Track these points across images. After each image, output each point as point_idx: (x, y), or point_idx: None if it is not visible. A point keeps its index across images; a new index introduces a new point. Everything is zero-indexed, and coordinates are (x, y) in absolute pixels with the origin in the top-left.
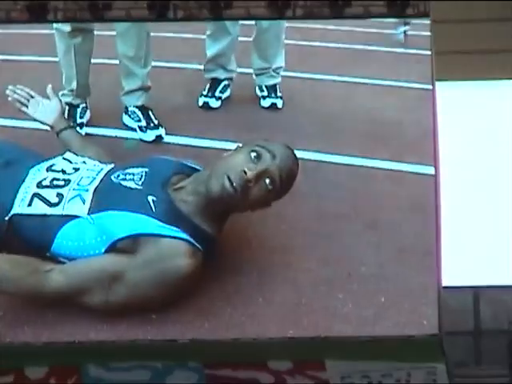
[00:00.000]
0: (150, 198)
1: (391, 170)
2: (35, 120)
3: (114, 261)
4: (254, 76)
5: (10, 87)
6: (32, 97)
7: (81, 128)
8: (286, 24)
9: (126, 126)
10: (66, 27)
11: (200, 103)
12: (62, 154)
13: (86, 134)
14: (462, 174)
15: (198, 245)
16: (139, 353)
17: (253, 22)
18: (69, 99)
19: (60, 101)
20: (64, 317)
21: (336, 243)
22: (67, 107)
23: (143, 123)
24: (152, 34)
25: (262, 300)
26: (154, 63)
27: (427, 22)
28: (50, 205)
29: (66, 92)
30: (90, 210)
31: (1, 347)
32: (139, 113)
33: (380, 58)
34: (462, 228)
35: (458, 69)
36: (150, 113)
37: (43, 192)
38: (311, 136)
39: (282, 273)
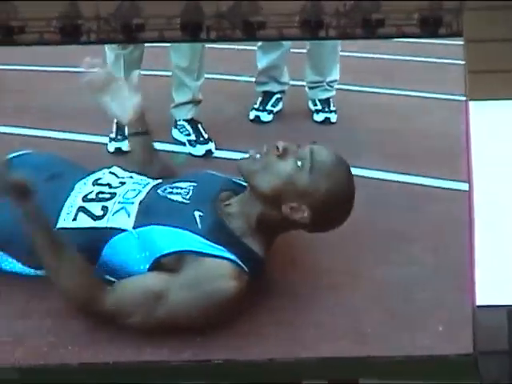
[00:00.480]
0: (197, 214)
1: (452, 189)
2: (110, 111)
3: (158, 280)
4: (306, 89)
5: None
6: (112, 81)
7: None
8: None
9: (176, 140)
10: None
11: (251, 117)
12: (108, 168)
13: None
14: (496, 191)
15: (244, 266)
16: (174, 374)
17: None
18: None
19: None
20: (100, 337)
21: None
22: (116, 120)
23: (192, 137)
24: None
25: (294, 320)
26: (207, 75)
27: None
28: (95, 218)
29: None
30: (135, 223)
31: (38, 368)
32: (188, 126)
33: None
34: (497, 246)
35: (492, 88)
36: (200, 126)
37: (88, 205)
38: (366, 152)
39: (323, 294)
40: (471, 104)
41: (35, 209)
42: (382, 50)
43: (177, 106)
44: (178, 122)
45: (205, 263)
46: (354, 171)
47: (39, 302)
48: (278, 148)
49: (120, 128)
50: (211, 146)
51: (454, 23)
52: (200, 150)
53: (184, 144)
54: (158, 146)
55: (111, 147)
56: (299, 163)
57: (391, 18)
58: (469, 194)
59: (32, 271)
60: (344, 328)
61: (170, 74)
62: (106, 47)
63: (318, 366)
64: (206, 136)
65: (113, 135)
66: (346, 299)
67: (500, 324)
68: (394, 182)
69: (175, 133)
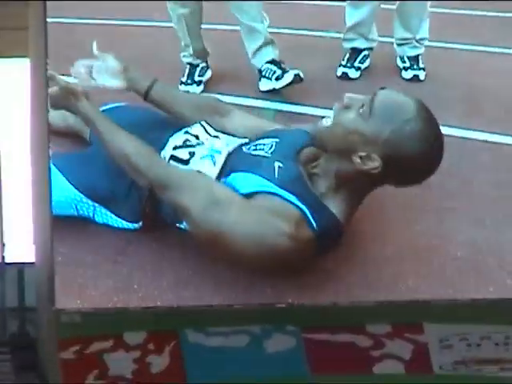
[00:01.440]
0: (277, 165)
1: None
2: (111, 89)
3: (230, 190)
4: (395, 46)
5: (72, 70)
6: (91, 66)
7: (198, 85)
8: None
9: (265, 91)
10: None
11: (339, 73)
12: (199, 121)
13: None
14: None
15: (313, 221)
16: (237, 317)
17: None
18: (189, 59)
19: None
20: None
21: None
22: (188, 66)
23: (279, 72)
24: (292, 1)
25: (358, 264)
26: (291, 31)
27: None
28: (182, 162)
29: (185, 53)
30: (219, 173)
31: (100, 313)
32: (272, 66)
33: None
34: None
35: None
36: (283, 65)
37: (177, 152)
38: (455, 110)
39: (381, 238)
40: None
41: (90, 106)
42: (470, 6)
43: (255, 53)
44: (262, 68)
45: (273, 200)
46: (447, 129)
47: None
48: (343, 101)
49: (191, 72)
50: (298, 71)
51: None
52: (287, 78)
53: (272, 89)
54: (241, 100)
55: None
56: (361, 110)
57: None
58: None
59: (124, 223)
60: (405, 271)
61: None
62: (169, 8)
63: (381, 309)
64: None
65: (184, 79)
66: (405, 243)
67: None
68: (485, 142)
69: (262, 84)
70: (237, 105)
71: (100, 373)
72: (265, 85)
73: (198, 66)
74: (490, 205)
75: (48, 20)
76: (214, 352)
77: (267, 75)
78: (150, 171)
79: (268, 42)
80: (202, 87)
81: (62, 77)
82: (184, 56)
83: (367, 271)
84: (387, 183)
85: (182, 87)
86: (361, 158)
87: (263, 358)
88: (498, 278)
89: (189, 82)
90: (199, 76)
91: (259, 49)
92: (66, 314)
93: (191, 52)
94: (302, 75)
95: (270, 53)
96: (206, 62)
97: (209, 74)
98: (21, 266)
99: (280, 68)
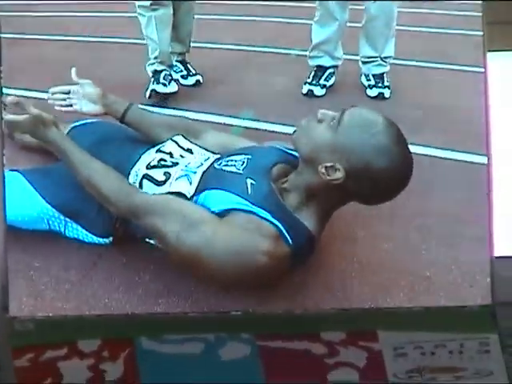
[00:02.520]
0: (249, 181)
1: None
2: (89, 114)
3: (202, 209)
4: (360, 63)
5: (48, 95)
6: (68, 92)
7: (167, 86)
8: (396, 10)
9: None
10: (147, 2)
11: (304, 91)
12: (171, 138)
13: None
14: None
15: (288, 236)
16: (192, 325)
17: (362, 7)
18: (153, 67)
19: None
20: (122, 289)
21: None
22: (152, 74)
23: (184, 73)
24: (257, 18)
25: (313, 270)
26: (258, 49)
27: None
28: (157, 183)
29: (151, 61)
30: (195, 191)
31: (54, 320)
32: (180, 65)
33: None
34: None
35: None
36: (189, 65)
37: (151, 172)
38: (419, 129)
39: (339, 245)
40: (489, 55)
41: (59, 134)
42: (434, 24)
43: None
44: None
45: (248, 217)
46: (412, 148)
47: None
48: (317, 115)
49: (156, 79)
50: (199, 77)
51: None
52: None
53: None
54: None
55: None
56: (331, 123)
57: None
58: (486, 136)
59: (95, 239)
60: (360, 280)
61: None
62: (139, 11)
63: (336, 316)
64: (193, 71)
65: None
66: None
67: None
68: (447, 159)
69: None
70: (204, 121)
71: (54, 380)
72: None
73: (162, 71)
74: (456, 223)
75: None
76: (168, 359)
77: (174, 69)
78: (121, 200)
79: (184, 52)
80: (172, 85)
81: (32, 107)
82: (149, 65)
83: (322, 279)
84: (355, 199)
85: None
86: (326, 168)
87: (218, 366)
88: (452, 285)
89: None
90: (164, 79)
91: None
92: (19, 321)
93: (156, 55)
94: (201, 81)
95: (182, 56)
96: (169, 71)
97: (174, 86)
98: None
99: (186, 68)
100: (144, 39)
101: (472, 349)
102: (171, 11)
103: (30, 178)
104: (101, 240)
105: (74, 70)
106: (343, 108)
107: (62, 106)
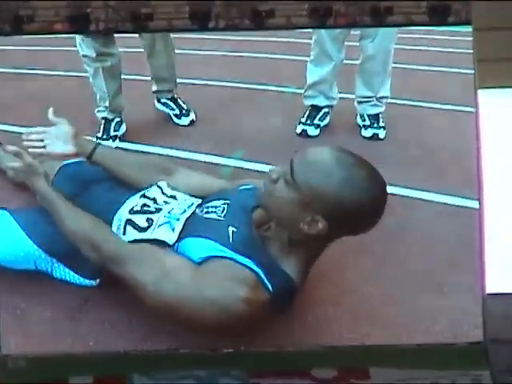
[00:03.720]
0: (231, 229)
1: None
2: (61, 155)
3: (179, 257)
4: (355, 103)
5: (24, 137)
6: (44, 132)
7: (113, 141)
8: (392, 52)
9: (160, 111)
10: (92, 52)
11: (298, 131)
12: (156, 183)
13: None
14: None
15: (268, 282)
16: (183, 362)
17: (357, 44)
18: (104, 114)
19: (117, 123)
20: (111, 327)
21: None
22: (103, 121)
23: (177, 111)
24: (250, 54)
25: (304, 308)
26: (250, 85)
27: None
28: (140, 230)
29: (100, 108)
30: (177, 239)
31: (45, 358)
32: (171, 103)
33: None
34: (508, 234)
35: (501, 76)
36: (180, 101)
37: (134, 217)
38: (415, 171)
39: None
40: (480, 92)
41: (47, 185)
42: (429, 62)
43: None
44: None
45: (228, 264)
46: (405, 191)
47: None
48: (270, 175)
49: (106, 127)
50: (193, 116)
51: (463, 11)
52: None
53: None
54: (144, 148)
55: None
56: (286, 179)
57: (400, 6)
58: (477, 176)
59: (82, 280)
60: (352, 318)
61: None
62: (84, 62)
63: (327, 354)
64: (185, 108)
65: (99, 134)
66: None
67: (510, 312)
68: (445, 204)
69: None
70: (186, 159)
71: None
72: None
73: (112, 120)
74: (448, 263)
75: None
76: None
77: (165, 105)
78: (101, 249)
79: (172, 90)
80: (117, 142)
81: (27, 156)
82: (98, 111)
83: (313, 316)
84: (338, 238)
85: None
86: (307, 224)
87: None
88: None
89: (104, 137)
90: (114, 131)
91: (163, 91)
92: (11, 359)
93: (107, 105)
94: (195, 120)
95: (170, 94)
96: (121, 116)
97: (123, 128)
98: None
99: (177, 105)
100: (139, 75)
101: None
102: (119, 61)
103: (17, 217)
104: (87, 282)
105: (51, 110)
106: (290, 159)
107: (36, 147)
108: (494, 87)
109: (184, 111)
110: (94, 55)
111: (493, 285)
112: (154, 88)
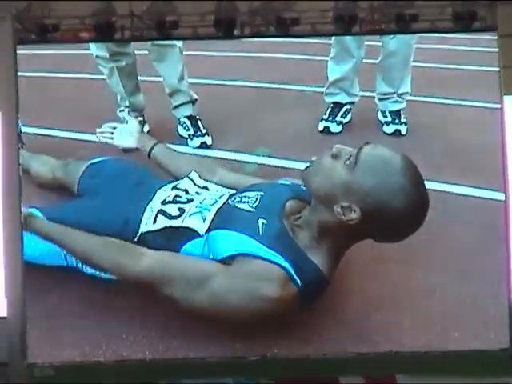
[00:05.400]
0: (261, 222)
1: None
2: (122, 148)
3: (206, 264)
4: (376, 100)
5: (98, 130)
6: (114, 128)
7: None
8: (414, 48)
9: (181, 136)
10: (105, 53)
11: (320, 128)
12: (187, 175)
13: None
14: None
15: (297, 277)
16: (210, 370)
17: (379, 43)
18: (125, 114)
19: (140, 122)
20: (139, 333)
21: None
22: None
23: (191, 132)
24: (272, 55)
25: (332, 317)
26: (271, 85)
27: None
28: (171, 217)
29: (122, 108)
30: (208, 229)
31: (72, 366)
32: (188, 122)
33: None
34: None
35: None
36: (199, 122)
37: (166, 207)
38: (437, 165)
39: (357, 291)
40: (506, 98)
41: (45, 224)
42: (452, 60)
43: (176, 107)
44: (181, 119)
45: (255, 263)
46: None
47: None
48: (333, 151)
49: None
50: (207, 138)
51: (488, 17)
52: (196, 142)
53: (186, 139)
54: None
55: None
56: (347, 162)
57: (425, 13)
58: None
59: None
60: (378, 326)
61: None
62: (99, 64)
63: (354, 361)
64: (203, 130)
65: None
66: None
67: None
68: (464, 195)
69: (180, 129)
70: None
71: None
72: (182, 133)
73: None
74: (473, 259)
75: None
76: None
77: (183, 127)
78: (124, 273)
79: (188, 101)
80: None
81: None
82: (120, 111)
83: (341, 323)
84: (369, 237)
85: None
86: (342, 207)
87: None
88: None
89: None
90: None
91: (180, 105)
92: (38, 367)
93: (127, 104)
94: (208, 142)
95: (188, 110)
96: (143, 115)
97: (146, 127)
98: None
99: (194, 125)
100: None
101: None
102: (134, 60)
103: (47, 214)
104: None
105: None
106: (360, 145)
107: (105, 138)
108: None
109: (199, 132)
110: (107, 55)
111: None
112: (173, 104)
